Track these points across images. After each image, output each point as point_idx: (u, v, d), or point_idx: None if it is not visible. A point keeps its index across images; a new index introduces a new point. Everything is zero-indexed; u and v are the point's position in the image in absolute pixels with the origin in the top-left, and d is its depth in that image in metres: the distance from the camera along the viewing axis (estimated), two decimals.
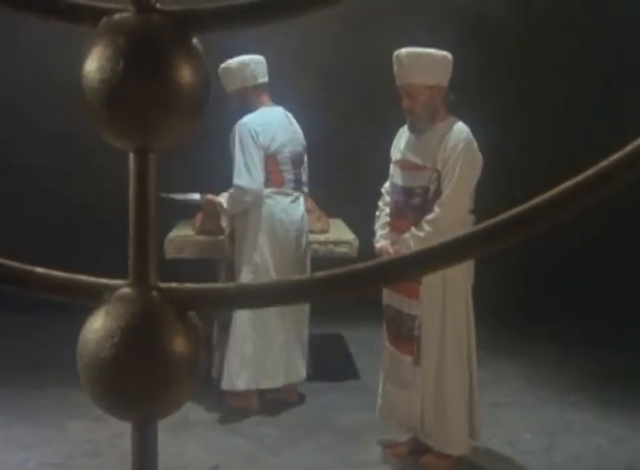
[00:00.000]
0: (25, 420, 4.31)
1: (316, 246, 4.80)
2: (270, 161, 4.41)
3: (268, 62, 4.55)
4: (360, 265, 0.67)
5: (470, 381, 3.65)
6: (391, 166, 3.84)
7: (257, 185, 4.34)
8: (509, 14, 6.54)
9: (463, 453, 3.72)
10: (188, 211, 5.03)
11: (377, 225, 3.88)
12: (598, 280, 6.34)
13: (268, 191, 4.40)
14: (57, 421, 4.31)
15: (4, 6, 0.70)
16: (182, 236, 4.89)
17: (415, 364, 3.64)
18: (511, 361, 5.33)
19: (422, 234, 3.55)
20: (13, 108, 6.30)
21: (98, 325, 0.67)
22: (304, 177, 4.61)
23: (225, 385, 4.42)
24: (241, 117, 4.41)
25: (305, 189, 4.63)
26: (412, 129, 3.70)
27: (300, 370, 4.55)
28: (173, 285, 0.71)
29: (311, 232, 4.75)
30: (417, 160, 3.67)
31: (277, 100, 4.59)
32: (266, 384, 4.46)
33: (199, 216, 4.92)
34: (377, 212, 3.92)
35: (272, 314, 4.38)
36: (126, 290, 0.69)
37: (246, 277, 4.36)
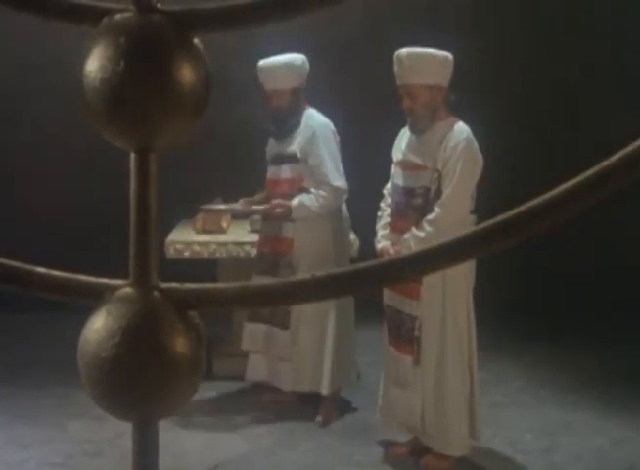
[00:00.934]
0: (25, 419, 4.30)
1: None
2: None
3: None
4: (361, 265, 0.67)
5: (470, 381, 3.65)
6: (393, 167, 3.84)
7: (346, 185, 4.28)
8: (509, 14, 6.54)
9: (463, 454, 3.72)
10: (188, 211, 5.03)
11: (378, 226, 3.87)
12: (598, 280, 6.34)
13: None
14: (57, 421, 4.30)
15: (4, 6, 0.70)
16: (183, 236, 4.90)
17: (415, 365, 3.63)
18: (511, 361, 5.32)
19: (422, 234, 3.54)
20: (13, 107, 6.30)
21: (99, 325, 0.67)
22: None
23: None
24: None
25: None
26: (412, 129, 3.70)
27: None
28: (174, 285, 0.71)
29: None
30: (418, 160, 3.66)
31: None
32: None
33: (199, 217, 4.92)
34: (378, 213, 3.92)
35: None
36: (127, 290, 0.69)
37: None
